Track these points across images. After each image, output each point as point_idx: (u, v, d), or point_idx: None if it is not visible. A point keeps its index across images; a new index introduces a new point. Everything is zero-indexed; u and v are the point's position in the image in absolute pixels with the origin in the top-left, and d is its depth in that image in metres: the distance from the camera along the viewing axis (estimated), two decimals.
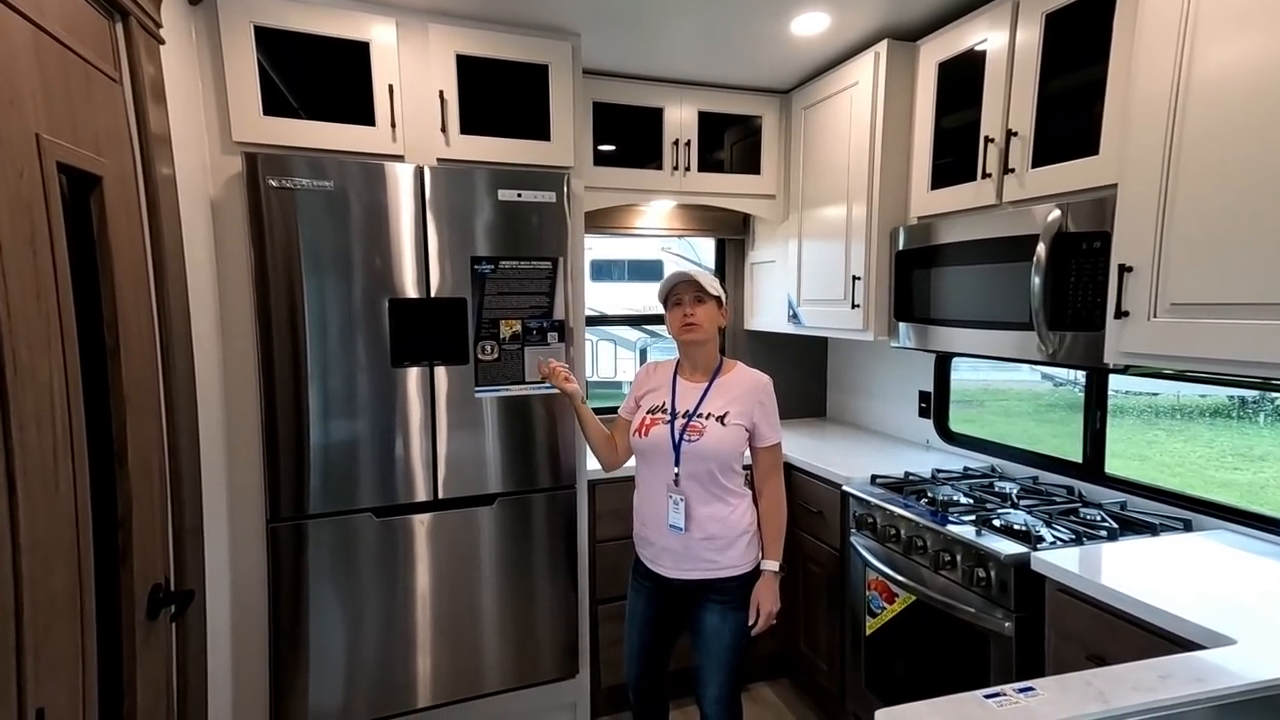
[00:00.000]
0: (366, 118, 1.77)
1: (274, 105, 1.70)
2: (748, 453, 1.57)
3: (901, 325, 2.01)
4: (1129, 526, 1.54)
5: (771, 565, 1.54)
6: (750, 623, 1.52)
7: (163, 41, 1.24)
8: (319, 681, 1.78)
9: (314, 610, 1.77)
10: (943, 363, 2.34)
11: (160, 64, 1.23)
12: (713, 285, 1.55)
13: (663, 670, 1.69)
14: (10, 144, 0.75)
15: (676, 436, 1.51)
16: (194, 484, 1.33)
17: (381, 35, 1.76)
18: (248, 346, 1.71)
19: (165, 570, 1.18)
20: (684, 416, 1.53)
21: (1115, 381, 1.86)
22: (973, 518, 1.60)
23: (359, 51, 1.75)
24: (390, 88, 1.78)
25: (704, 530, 1.51)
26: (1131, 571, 1.28)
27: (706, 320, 1.54)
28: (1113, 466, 1.82)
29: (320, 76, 1.77)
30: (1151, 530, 1.51)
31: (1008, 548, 1.44)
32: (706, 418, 1.51)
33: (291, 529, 1.74)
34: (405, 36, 1.79)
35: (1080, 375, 1.94)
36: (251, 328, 1.70)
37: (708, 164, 2.44)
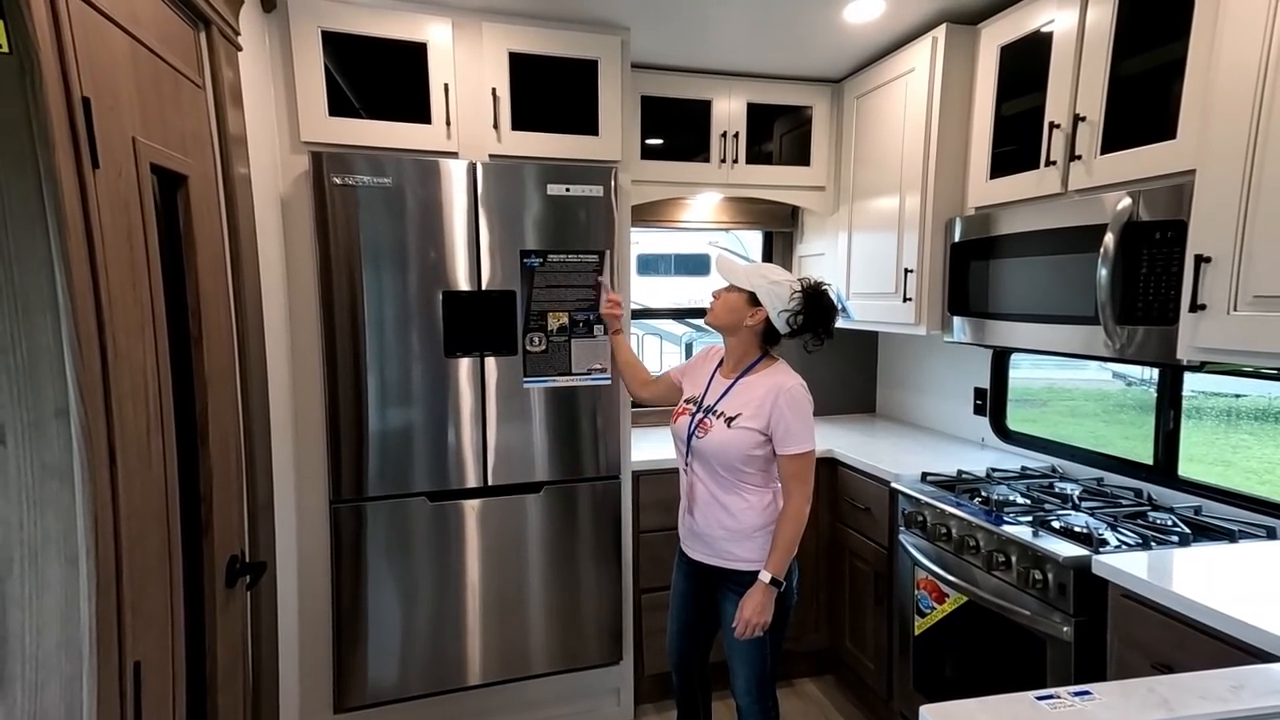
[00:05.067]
0: (423, 116, 1.84)
1: (338, 106, 1.78)
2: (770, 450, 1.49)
3: (956, 319, 1.95)
4: (1203, 532, 1.46)
5: (764, 576, 1.43)
6: (733, 624, 1.46)
7: (240, 48, 1.32)
8: (377, 655, 1.87)
9: (372, 588, 1.86)
10: (1000, 358, 2.25)
11: (238, 69, 1.32)
12: (744, 280, 1.49)
13: (703, 654, 1.71)
14: (110, 147, 0.82)
15: (689, 430, 1.54)
16: (265, 464, 1.42)
17: (438, 35, 1.82)
18: (313, 336, 1.80)
19: (241, 543, 1.27)
20: (703, 411, 1.54)
21: (1193, 382, 1.76)
22: (1029, 518, 1.55)
23: (417, 52, 1.81)
24: (446, 86, 1.83)
25: (717, 520, 1.51)
26: (1205, 578, 1.22)
27: (722, 310, 1.51)
28: (1194, 472, 1.71)
29: (381, 77, 1.84)
30: (1229, 536, 1.42)
31: (1067, 550, 1.38)
32: (719, 416, 1.50)
33: (351, 510, 1.83)
34: (460, 36, 1.84)
35: (1155, 373, 1.84)
36: (316, 319, 1.79)
37: (756, 156, 2.42)
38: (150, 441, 0.90)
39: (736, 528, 1.50)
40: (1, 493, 0.71)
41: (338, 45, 1.76)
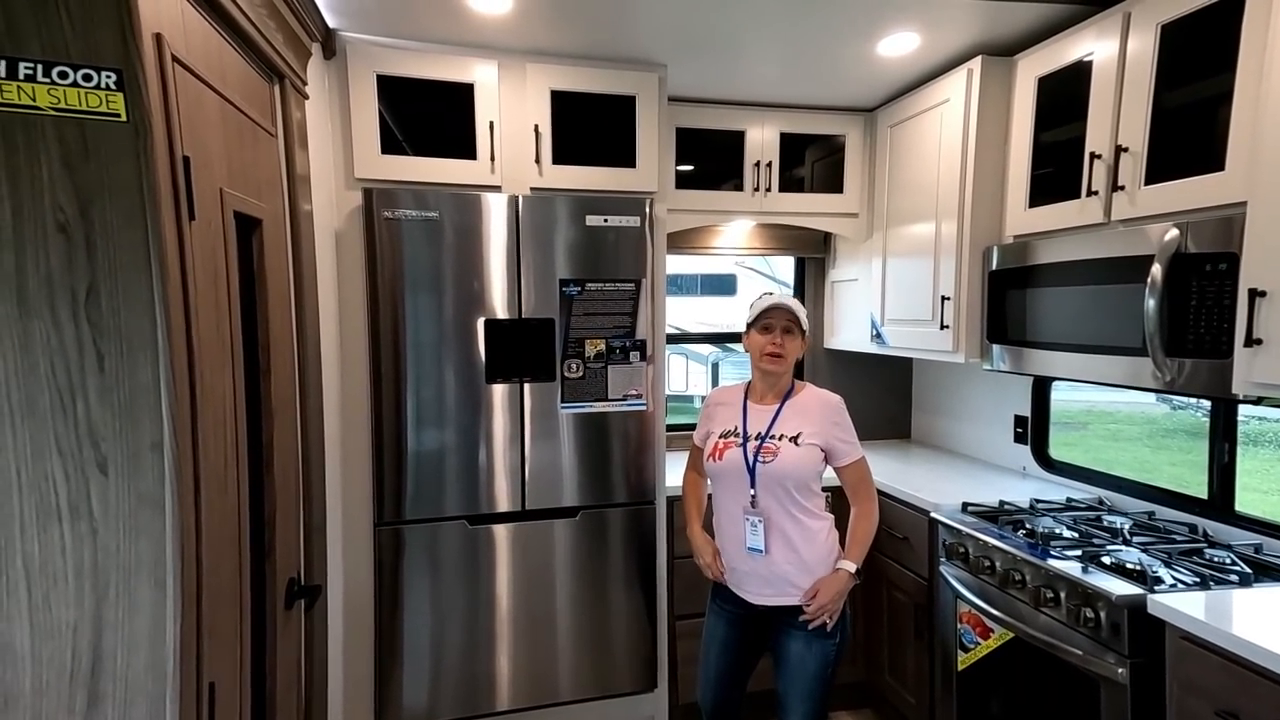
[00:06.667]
0: (469, 152, 1.92)
1: (390, 144, 1.87)
2: (826, 474, 1.55)
3: (995, 347, 1.93)
4: (1265, 571, 1.41)
5: (848, 565, 1.50)
6: (804, 602, 1.48)
7: (308, 97, 1.41)
8: (412, 678, 1.90)
9: (413, 611, 1.89)
10: (1041, 386, 2.22)
11: (305, 113, 1.40)
12: (804, 318, 1.56)
13: (740, 696, 1.68)
14: (203, 200, 0.88)
15: (750, 459, 1.52)
16: (320, 489, 1.48)
17: (485, 76, 1.90)
18: (361, 364, 1.87)
19: (298, 566, 1.31)
20: (756, 439, 1.53)
21: (1247, 406, 1.70)
22: (1078, 553, 1.51)
23: (464, 92, 1.90)
24: (491, 124, 1.91)
25: (784, 554, 1.50)
26: (1270, 621, 1.18)
27: (792, 353, 1.55)
28: (1246, 503, 1.66)
29: (430, 116, 1.93)
30: None
31: (1120, 588, 1.35)
32: (780, 439, 1.51)
33: (392, 533, 1.88)
34: (505, 76, 1.92)
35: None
36: (365, 347, 1.86)
37: (789, 183, 2.45)
38: (227, 470, 0.96)
39: (800, 560, 1.50)
40: (102, 520, 0.77)
41: (391, 87, 1.86)
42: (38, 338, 0.73)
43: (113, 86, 0.71)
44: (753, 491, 1.52)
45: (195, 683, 0.84)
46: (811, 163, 2.53)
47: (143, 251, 0.75)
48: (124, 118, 0.72)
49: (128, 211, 0.74)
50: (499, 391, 1.92)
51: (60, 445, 0.74)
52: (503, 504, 1.95)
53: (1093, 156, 1.62)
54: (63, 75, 0.70)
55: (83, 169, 0.72)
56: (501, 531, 1.96)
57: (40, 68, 0.70)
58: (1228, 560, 1.43)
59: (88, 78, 0.71)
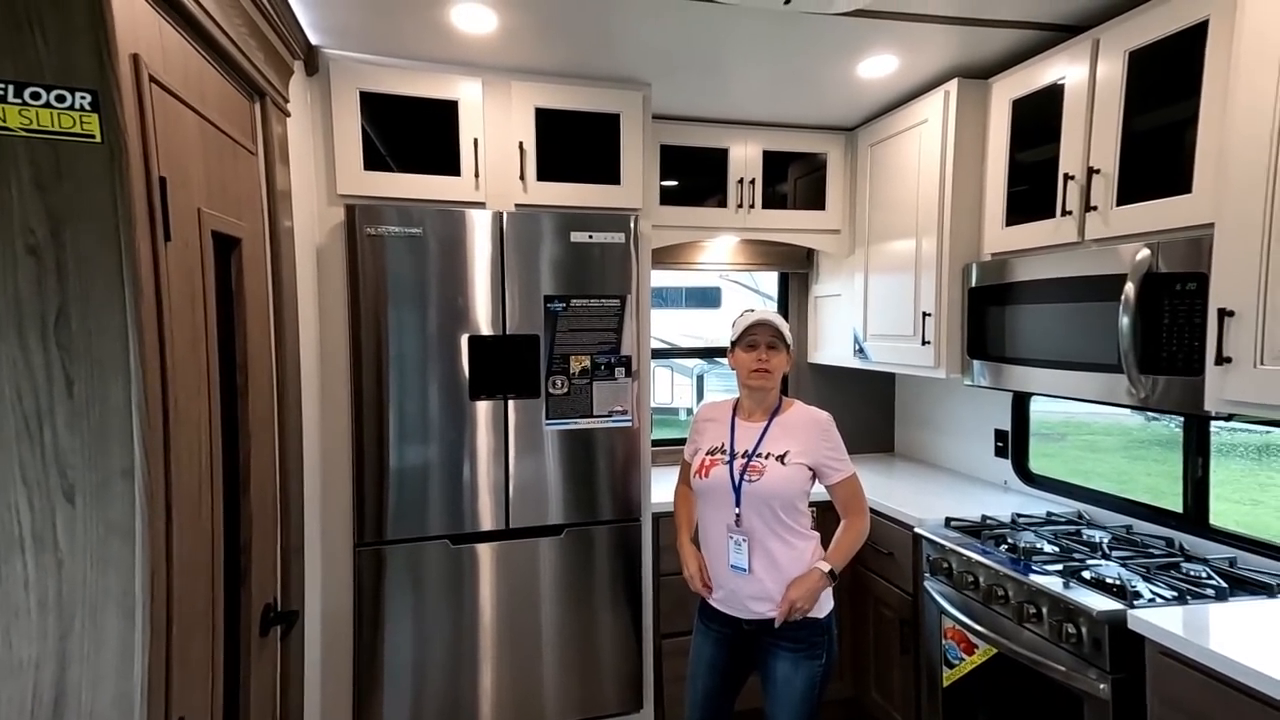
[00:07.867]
0: (453, 169, 1.91)
1: (373, 160, 1.86)
2: (814, 492, 1.55)
3: (975, 363, 1.96)
4: (1240, 585, 1.43)
5: (823, 565, 1.49)
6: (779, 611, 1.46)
7: (289, 114, 1.40)
8: (393, 702, 1.86)
9: (396, 634, 1.85)
10: (1021, 401, 2.25)
11: (286, 130, 1.39)
12: (788, 333, 1.57)
13: (728, 716, 1.67)
14: (181, 220, 0.87)
15: (736, 477, 1.51)
16: (298, 510, 1.45)
17: (469, 93, 1.90)
18: (342, 382, 1.84)
19: (274, 591, 1.28)
20: (743, 457, 1.53)
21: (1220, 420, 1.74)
22: (1059, 568, 1.53)
23: (448, 109, 1.90)
24: (475, 141, 1.91)
25: (769, 573, 1.50)
26: (1246, 636, 1.19)
27: (778, 369, 1.55)
28: (1219, 512, 1.69)
29: (414, 133, 1.93)
30: (1268, 590, 1.40)
31: (1100, 603, 1.36)
32: (766, 457, 1.51)
33: (373, 554, 1.85)
34: (490, 94, 1.93)
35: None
36: (346, 365, 1.84)
37: (772, 200, 2.48)
38: (201, 494, 0.93)
39: (785, 580, 1.49)
40: (68, 551, 0.74)
41: (374, 104, 1.85)
42: (4, 362, 0.71)
43: (87, 107, 0.70)
44: (737, 510, 1.51)
45: (164, 717, 0.81)
46: (794, 180, 2.57)
47: (115, 274, 0.74)
48: (99, 139, 0.71)
49: (101, 234, 0.73)
50: (483, 409, 1.90)
51: (25, 474, 0.72)
52: (486, 522, 1.92)
53: (1066, 177, 1.66)
54: (35, 96, 0.69)
55: (55, 191, 0.71)
56: (485, 550, 1.93)
57: (11, 89, 0.68)
58: (1204, 574, 1.46)
59: (61, 98, 0.69)
